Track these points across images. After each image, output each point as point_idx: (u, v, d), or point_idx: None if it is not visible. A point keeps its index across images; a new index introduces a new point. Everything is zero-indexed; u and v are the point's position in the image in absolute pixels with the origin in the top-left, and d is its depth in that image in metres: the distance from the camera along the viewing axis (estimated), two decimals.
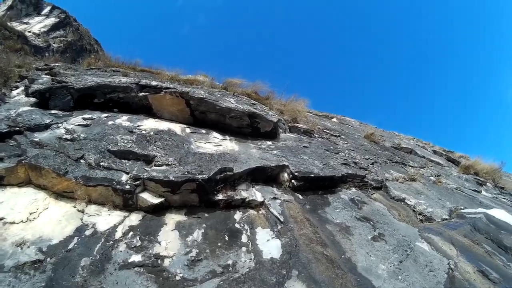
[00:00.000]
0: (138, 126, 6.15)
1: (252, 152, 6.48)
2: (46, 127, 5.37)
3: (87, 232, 3.86)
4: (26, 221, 3.82)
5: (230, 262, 3.84)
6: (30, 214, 3.95)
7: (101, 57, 11.34)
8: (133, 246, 3.77)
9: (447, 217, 5.95)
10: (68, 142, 5.03)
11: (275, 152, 6.74)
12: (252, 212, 4.93)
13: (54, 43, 16.57)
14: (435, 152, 14.13)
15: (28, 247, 3.47)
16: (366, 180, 6.76)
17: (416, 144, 14.28)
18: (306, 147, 7.76)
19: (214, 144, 6.42)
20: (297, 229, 4.61)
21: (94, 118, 6.03)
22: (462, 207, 6.55)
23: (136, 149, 5.21)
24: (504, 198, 9.12)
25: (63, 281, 3.18)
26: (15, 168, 4.33)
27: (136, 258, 3.62)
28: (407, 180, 7.54)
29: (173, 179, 4.61)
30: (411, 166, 9.40)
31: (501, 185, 10.56)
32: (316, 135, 9.44)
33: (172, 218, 4.46)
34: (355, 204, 5.73)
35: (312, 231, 4.63)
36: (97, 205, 4.37)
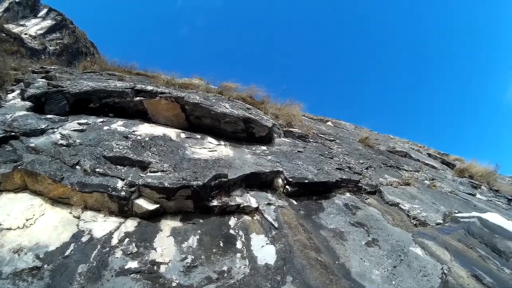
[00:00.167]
0: (133, 131, 6.27)
1: (247, 157, 6.61)
2: (42, 132, 5.46)
3: (84, 239, 3.94)
4: (22, 227, 3.89)
5: (225, 268, 3.92)
6: (27, 220, 4.02)
7: (97, 60, 11.49)
8: (129, 252, 3.86)
9: (441, 222, 6.07)
10: (64, 147, 5.13)
11: (269, 157, 6.87)
12: (246, 218, 5.04)
13: (50, 46, 16.68)
14: (429, 155, 14.34)
15: (26, 253, 3.54)
16: (360, 185, 6.90)
17: (411, 147, 14.46)
18: (301, 152, 7.90)
19: (209, 149, 6.54)
20: (292, 235, 4.72)
21: (90, 123, 6.14)
22: (456, 211, 6.69)
23: (131, 155, 5.31)
24: (498, 201, 9.29)
25: None
26: (11, 174, 4.41)
27: (133, 264, 3.70)
28: (401, 185, 7.68)
29: (168, 185, 4.71)
30: (406, 170, 9.56)
31: (495, 187, 10.75)
32: (311, 140, 9.60)
33: (168, 224, 4.56)
34: (349, 209, 5.86)
35: (306, 237, 4.75)
36: (93, 211, 4.45)
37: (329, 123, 14.90)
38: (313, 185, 6.15)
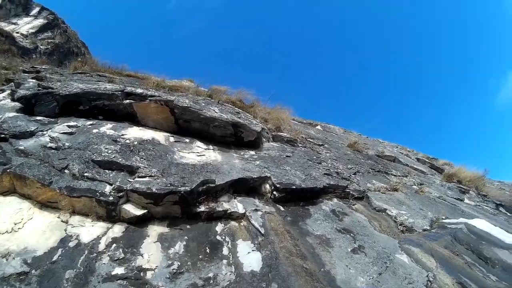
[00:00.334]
0: (122, 135, 6.38)
1: (235, 162, 6.75)
2: (31, 134, 5.58)
3: (71, 244, 4.04)
4: (11, 232, 3.98)
5: (211, 274, 4.03)
6: (15, 224, 4.11)
7: (88, 61, 11.60)
8: (116, 258, 3.97)
9: (428, 228, 6.22)
10: (53, 151, 5.25)
11: (257, 162, 7.02)
12: (233, 224, 5.17)
13: (41, 45, 16.76)
14: (418, 159, 14.56)
15: (13, 258, 3.63)
16: (348, 190, 7.07)
17: (400, 152, 14.66)
18: (289, 156, 8.07)
19: (197, 154, 6.67)
20: (278, 241, 4.84)
21: (79, 126, 6.26)
22: (443, 217, 6.84)
23: (120, 159, 5.44)
24: (486, 206, 9.50)
25: None
26: (0, 177, 4.52)
27: (119, 270, 3.81)
28: (389, 190, 7.85)
29: (156, 191, 4.83)
30: (394, 175, 9.76)
31: (484, 192, 10.95)
32: (299, 144, 9.77)
33: (155, 230, 4.68)
34: (336, 216, 6.00)
35: (293, 243, 4.87)
36: (81, 216, 4.56)
37: (318, 127, 15.13)
38: (300, 191, 6.30)
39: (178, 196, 4.93)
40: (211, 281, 3.93)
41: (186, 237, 4.65)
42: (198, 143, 7.28)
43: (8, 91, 7.05)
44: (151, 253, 4.20)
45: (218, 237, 4.77)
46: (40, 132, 5.69)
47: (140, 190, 4.80)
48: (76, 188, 4.61)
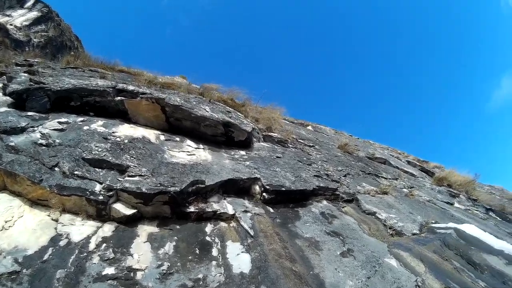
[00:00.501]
0: (113, 132, 6.50)
1: (225, 162, 6.89)
2: (22, 130, 5.67)
3: (62, 243, 4.15)
4: (2, 230, 4.06)
5: (200, 276, 4.14)
6: (6, 222, 4.19)
7: (80, 55, 11.69)
8: (106, 258, 4.09)
9: (418, 232, 6.35)
10: (44, 147, 5.36)
11: (247, 163, 7.18)
12: (223, 224, 5.33)
13: (35, 38, 16.83)
14: (409, 162, 14.80)
15: (4, 257, 3.71)
16: (337, 193, 7.25)
17: (391, 154, 14.85)
18: (279, 157, 8.23)
19: (187, 153, 6.82)
20: (267, 243, 4.98)
21: (70, 122, 6.36)
22: (433, 221, 6.98)
23: (110, 158, 5.56)
24: (476, 210, 9.70)
25: None
26: None
27: (110, 270, 3.91)
28: (379, 193, 8.01)
29: (146, 191, 4.97)
30: (384, 178, 9.95)
31: (474, 196, 11.19)
32: (290, 145, 9.94)
33: (145, 230, 4.82)
34: (325, 218, 6.15)
35: (282, 246, 5.01)
36: (71, 214, 4.67)
37: (309, 127, 15.32)
38: (290, 193, 6.47)
39: (168, 197, 5.07)
40: (201, 282, 4.02)
41: (176, 238, 4.78)
42: (189, 142, 7.42)
43: (0, 85, 7.12)
44: (141, 253, 4.31)
45: (208, 238, 4.90)
46: (31, 128, 5.78)
47: (130, 190, 4.93)
48: (67, 187, 4.72)
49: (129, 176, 5.29)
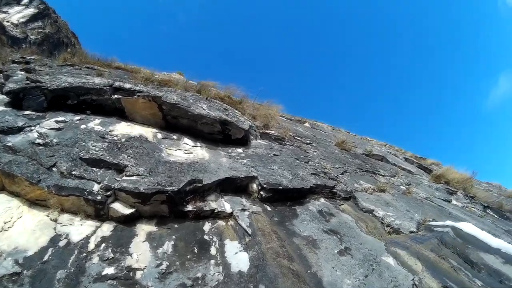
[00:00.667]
0: (110, 131, 6.58)
1: (222, 161, 6.99)
2: (19, 130, 5.74)
3: (61, 243, 4.25)
4: (1, 231, 4.14)
5: (199, 275, 4.24)
6: (5, 223, 4.28)
7: (77, 52, 11.77)
8: (105, 258, 4.19)
9: (415, 230, 6.45)
10: (41, 147, 5.44)
11: (245, 161, 7.28)
12: (221, 223, 5.43)
13: (31, 35, 16.82)
14: (406, 159, 14.90)
15: (5, 259, 3.80)
16: (335, 190, 7.35)
17: (388, 151, 14.96)
18: (277, 155, 8.33)
19: (185, 151, 6.91)
20: (265, 242, 5.08)
21: (67, 121, 6.44)
22: (430, 219, 7.07)
23: (108, 157, 5.64)
24: (474, 208, 9.82)
25: None
26: None
27: (109, 270, 4.01)
28: (376, 191, 8.10)
29: (143, 190, 5.07)
30: (382, 175, 10.06)
31: (471, 194, 11.29)
32: (287, 143, 10.01)
33: (143, 229, 4.92)
34: (323, 216, 6.25)
35: (279, 244, 5.11)
36: (70, 214, 4.78)
37: (306, 124, 15.39)
38: (287, 191, 6.57)
39: (166, 196, 5.18)
40: (200, 281, 4.12)
41: (174, 237, 4.89)
42: (186, 140, 7.53)
43: None
44: (140, 253, 4.41)
45: (206, 237, 5.01)
46: (28, 128, 5.85)
47: (128, 189, 5.03)
48: (64, 187, 4.82)
49: (126, 175, 5.36)
